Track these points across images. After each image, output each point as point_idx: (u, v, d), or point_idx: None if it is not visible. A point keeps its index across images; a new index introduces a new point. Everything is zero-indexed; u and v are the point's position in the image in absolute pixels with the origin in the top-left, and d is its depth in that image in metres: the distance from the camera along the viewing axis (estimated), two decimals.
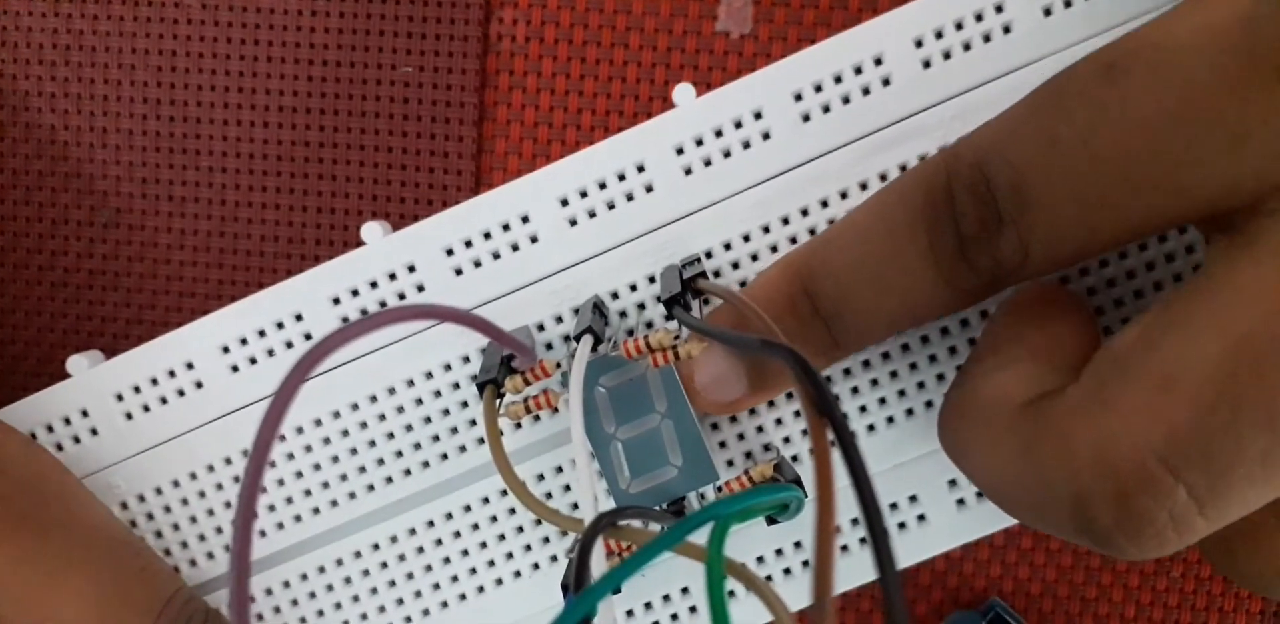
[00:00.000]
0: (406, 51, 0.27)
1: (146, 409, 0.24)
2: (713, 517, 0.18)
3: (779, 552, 0.24)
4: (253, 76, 0.28)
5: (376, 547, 0.24)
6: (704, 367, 0.21)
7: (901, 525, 0.24)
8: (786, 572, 0.24)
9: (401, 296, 0.24)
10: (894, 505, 0.24)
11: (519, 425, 0.24)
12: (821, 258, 0.20)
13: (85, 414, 0.24)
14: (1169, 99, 0.16)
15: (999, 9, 0.23)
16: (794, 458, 0.24)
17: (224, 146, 0.28)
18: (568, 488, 0.24)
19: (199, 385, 0.24)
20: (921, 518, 0.24)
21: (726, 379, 0.21)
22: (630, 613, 0.24)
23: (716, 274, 0.23)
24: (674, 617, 0.24)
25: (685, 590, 0.24)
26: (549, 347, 0.24)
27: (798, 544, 0.24)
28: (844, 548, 0.24)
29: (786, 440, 0.24)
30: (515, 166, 0.27)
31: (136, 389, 0.24)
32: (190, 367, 0.24)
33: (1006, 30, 0.23)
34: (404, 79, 0.27)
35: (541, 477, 0.24)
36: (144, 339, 0.24)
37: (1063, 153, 0.17)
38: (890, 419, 0.24)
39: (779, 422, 0.24)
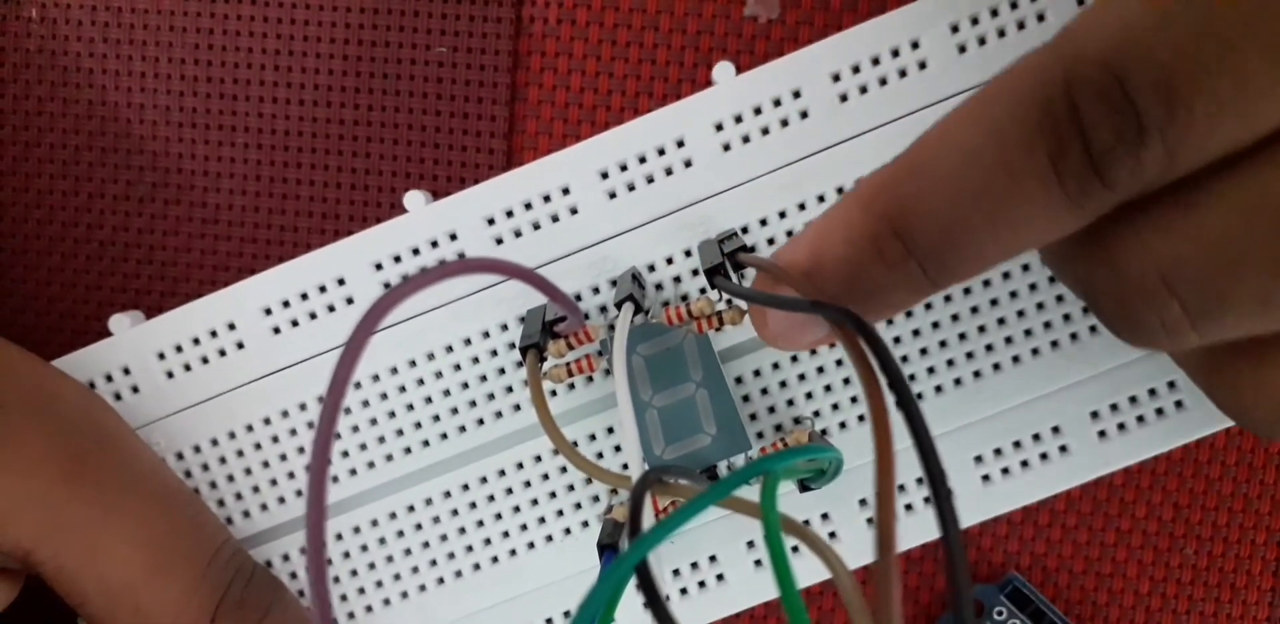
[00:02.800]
0: (441, 32, 0.28)
1: (188, 368, 0.24)
2: (763, 470, 0.18)
3: (825, 515, 0.24)
4: (289, 55, 0.28)
5: (412, 508, 0.25)
6: (776, 315, 0.19)
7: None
8: (832, 535, 0.25)
9: (443, 264, 0.24)
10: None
11: (554, 393, 0.24)
12: (913, 190, 0.17)
13: (127, 372, 0.24)
14: None
15: None
16: (823, 432, 0.24)
17: (259, 123, 0.28)
18: (600, 455, 0.24)
19: (240, 346, 0.24)
20: (986, 478, 0.25)
21: (803, 326, 0.19)
22: (695, 565, 0.25)
23: (751, 250, 0.24)
24: (720, 577, 0.25)
25: (750, 544, 0.25)
26: (585, 317, 0.24)
27: (825, 515, 0.24)
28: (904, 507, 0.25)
29: (816, 414, 0.24)
30: (546, 146, 0.28)
31: (179, 348, 0.24)
32: (232, 327, 0.24)
33: (1040, 18, 0.23)
34: (438, 59, 0.28)
35: (575, 444, 0.24)
36: None
37: (1222, 35, 0.15)
38: (956, 381, 0.24)
39: (809, 395, 0.24)
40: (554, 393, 0.24)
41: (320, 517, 0.15)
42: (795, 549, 0.23)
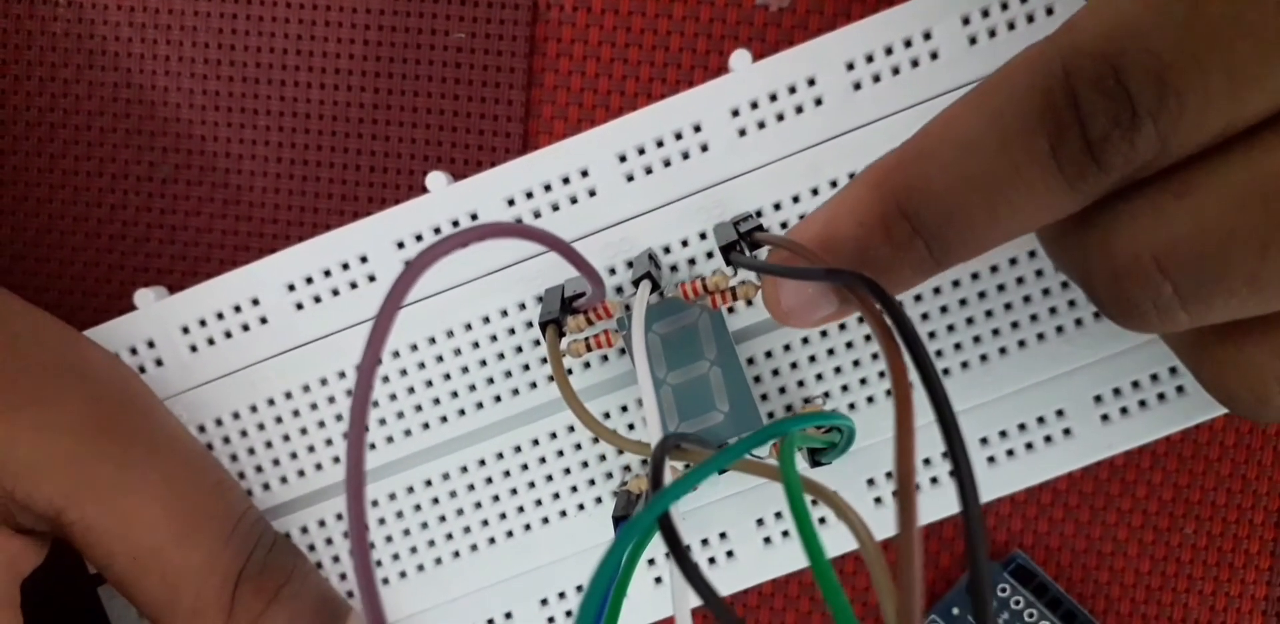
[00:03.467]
0: (459, 18, 0.28)
1: (211, 342, 0.25)
2: (779, 432, 0.19)
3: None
4: (310, 40, 0.28)
5: (429, 482, 0.25)
6: (789, 291, 0.20)
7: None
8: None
9: (463, 246, 0.24)
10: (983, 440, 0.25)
11: (570, 372, 0.25)
12: (920, 174, 0.18)
13: (151, 345, 0.25)
14: None
15: None
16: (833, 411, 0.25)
17: (281, 106, 0.29)
18: (615, 431, 0.25)
19: (263, 321, 0.25)
20: (992, 459, 0.25)
21: (813, 302, 0.19)
22: (705, 542, 0.25)
23: (765, 231, 0.24)
24: (730, 554, 0.25)
25: (759, 521, 0.25)
26: (604, 294, 0.24)
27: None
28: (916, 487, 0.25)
29: (827, 394, 0.25)
30: (561, 130, 0.28)
31: (202, 322, 0.25)
32: (256, 303, 0.25)
33: (1049, 11, 0.24)
34: (456, 45, 0.28)
35: None
36: None
37: (1211, 25, 0.16)
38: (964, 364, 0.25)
39: (819, 376, 0.25)
40: (570, 371, 0.25)
41: (360, 481, 0.15)
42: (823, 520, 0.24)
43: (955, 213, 0.18)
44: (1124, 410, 0.25)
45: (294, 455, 0.25)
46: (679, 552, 0.15)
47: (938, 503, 0.25)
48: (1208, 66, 0.16)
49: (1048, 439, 0.25)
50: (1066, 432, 0.25)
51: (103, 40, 0.29)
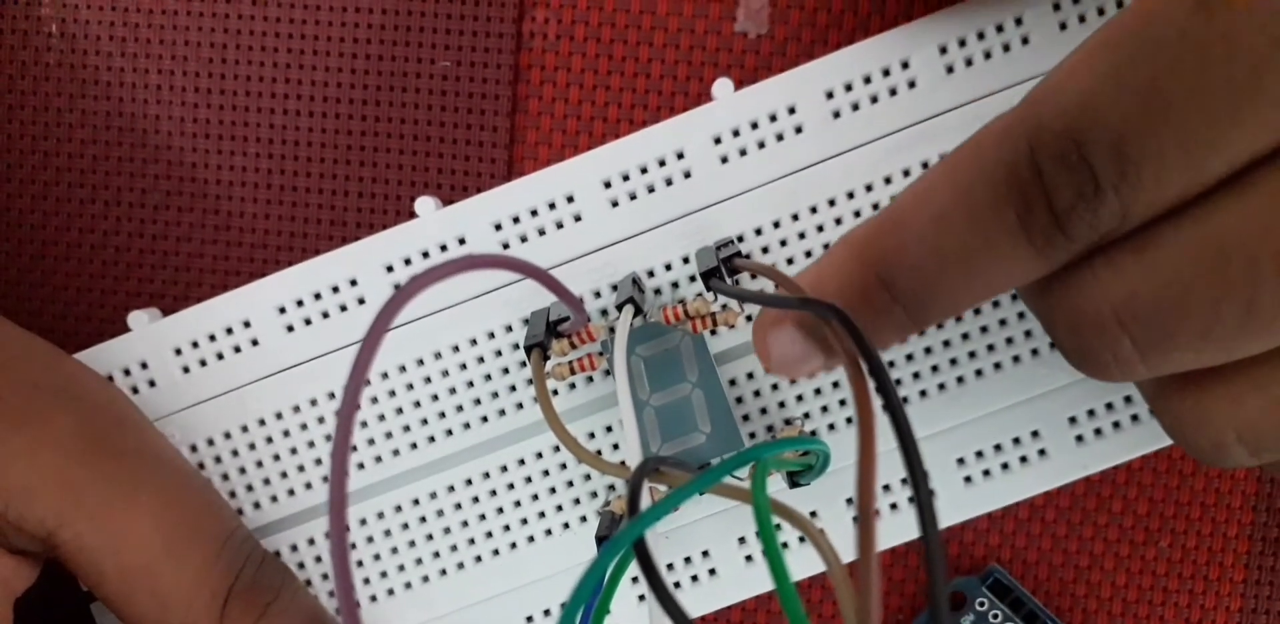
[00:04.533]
0: (445, 47, 0.29)
1: (203, 364, 0.25)
2: (754, 458, 0.19)
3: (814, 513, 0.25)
4: (299, 68, 0.29)
5: (417, 502, 0.25)
6: (778, 346, 0.20)
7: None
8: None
9: (464, 256, 0.25)
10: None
11: (555, 392, 0.25)
12: (895, 245, 0.19)
13: (145, 366, 0.25)
14: (1273, 28, 0.16)
15: (1019, 22, 0.24)
16: (813, 433, 0.25)
17: (270, 133, 0.29)
18: (598, 453, 0.25)
19: (255, 343, 0.25)
20: (968, 479, 0.26)
21: (801, 358, 0.20)
22: (688, 560, 0.26)
23: (746, 258, 0.25)
24: (712, 571, 0.26)
25: (741, 540, 0.26)
26: (588, 319, 0.25)
27: (813, 513, 0.25)
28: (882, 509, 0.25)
29: (806, 416, 0.25)
30: (545, 156, 0.29)
31: (195, 344, 0.25)
32: (247, 325, 0.25)
33: (1025, 42, 0.24)
34: (442, 72, 0.29)
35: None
36: None
37: (1167, 101, 0.16)
38: (941, 385, 0.25)
39: (799, 398, 0.25)
40: (555, 392, 0.25)
41: (342, 499, 0.16)
42: (785, 545, 0.24)
43: (931, 283, 0.19)
44: (1098, 431, 0.25)
45: (284, 475, 0.25)
46: (653, 578, 0.16)
47: (905, 526, 0.25)
48: (1163, 138, 0.16)
49: (1023, 459, 0.25)
50: (1042, 452, 0.25)
51: (95, 70, 0.29)
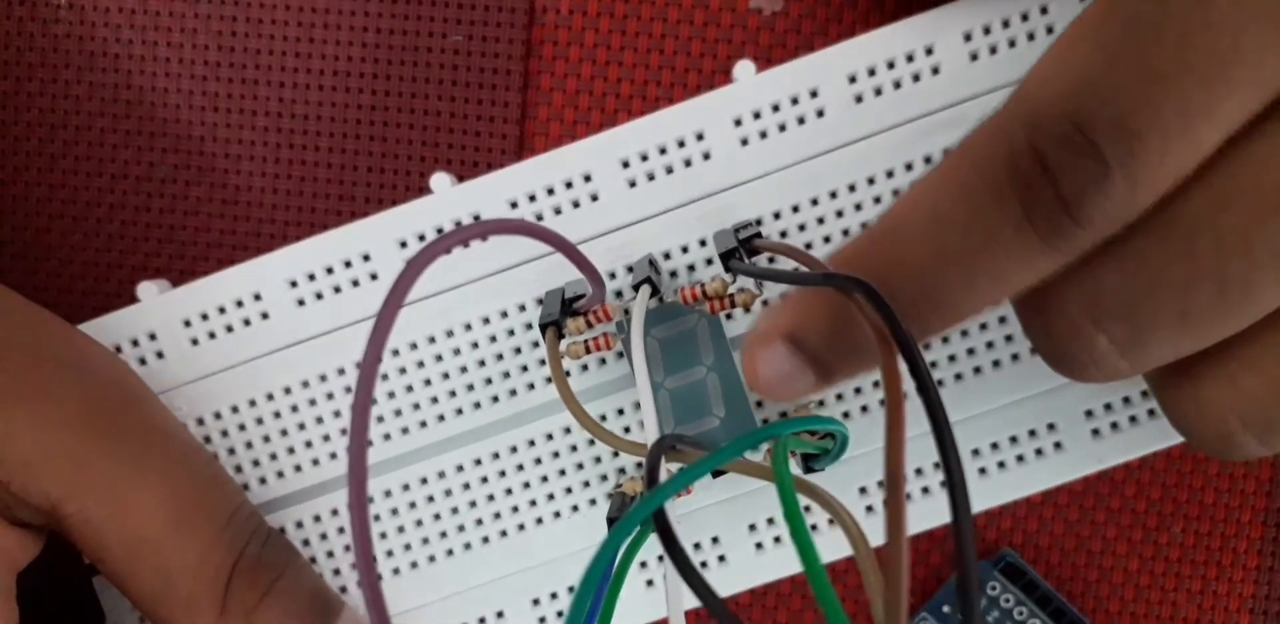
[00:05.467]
0: (456, 21, 0.28)
1: (213, 336, 0.25)
2: (773, 435, 0.19)
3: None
4: (309, 42, 0.29)
5: (425, 481, 0.25)
6: (767, 365, 0.19)
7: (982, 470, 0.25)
8: (831, 522, 0.25)
9: (465, 244, 0.25)
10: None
11: (568, 374, 0.25)
12: (892, 254, 0.18)
13: (153, 337, 0.25)
14: None
15: (1044, 10, 0.24)
16: None
17: (280, 107, 0.29)
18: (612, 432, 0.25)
19: (265, 316, 0.25)
20: (983, 471, 0.25)
21: (791, 378, 0.19)
22: (698, 545, 0.26)
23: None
24: (722, 558, 0.26)
25: (752, 527, 0.26)
26: (604, 294, 0.25)
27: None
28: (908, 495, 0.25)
29: (821, 403, 0.25)
30: (557, 132, 0.28)
31: (204, 316, 0.25)
32: (258, 298, 0.25)
33: (1049, 30, 0.24)
34: (453, 47, 0.28)
35: None
36: None
37: (1159, 71, 0.16)
38: (957, 376, 0.25)
39: None
40: (568, 373, 0.25)
41: (362, 473, 0.15)
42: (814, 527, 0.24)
43: (932, 288, 0.18)
44: (1114, 425, 0.25)
45: (291, 450, 0.25)
46: (672, 544, 0.16)
47: (929, 512, 0.25)
48: (1162, 108, 0.16)
49: (1039, 452, 0.25)
50: (1057, 445, 0.25)
51: (103, 42, 0.29)
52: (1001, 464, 0.25)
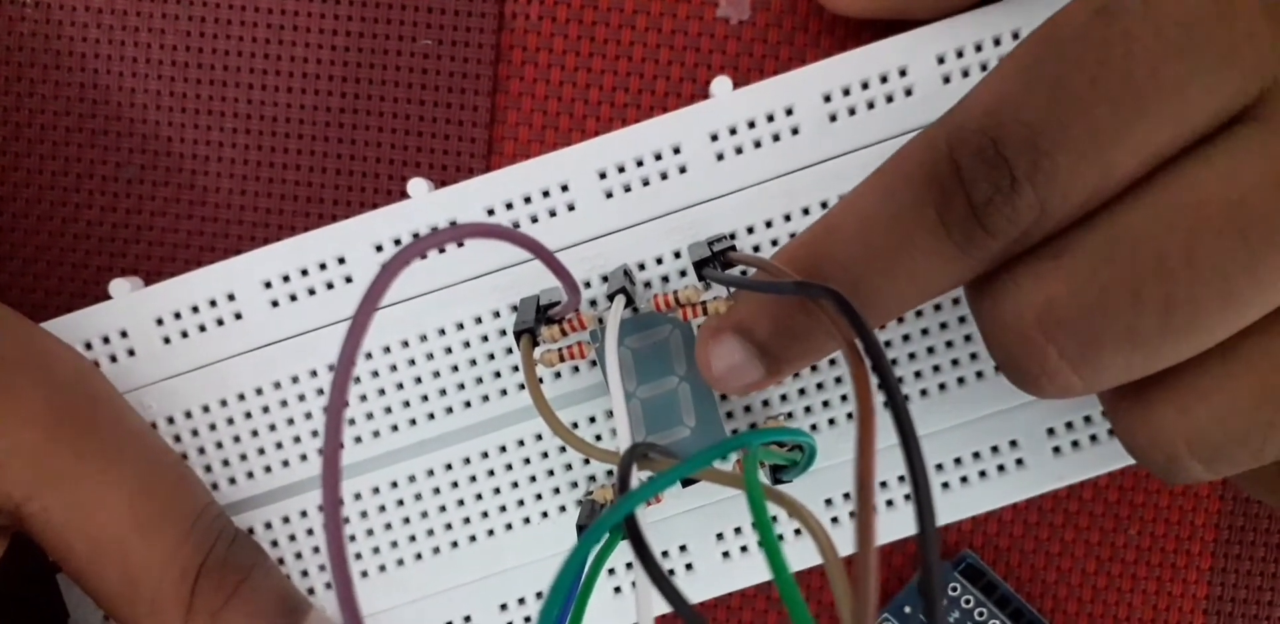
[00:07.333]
0: (426, 25, 0.28)
1: (185, 335, 0.25)
2: (743, 444, 0.19)
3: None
4: (278, 44, 0.29)
5: (395, 485, 0.25)
6: (718, 356, 0.21)
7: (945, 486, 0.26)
8: (797, 532, 0.26)
9: (441, 250, 0.25)
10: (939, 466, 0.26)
11: (541, 381, 0.25)
12: (825, 250, 0.20)
13: (124, 335, 0.25)
14: (1168, 30, 0.17)
15: (1015, 36, 0.25)
16: None
17: (248, 109, 0.29)
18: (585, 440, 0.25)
19: (238, 316, 0.25)
20: (946, 485, 0.26)
21: (741, 368, 0.21)
22: (666, 554, 0.26)
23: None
24: (689, 566, 0.26)
25: (719, 536, 0.26)
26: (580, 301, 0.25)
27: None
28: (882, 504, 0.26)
29: (790, 415, 0.25)
30: (525, 136, 0.28)
31: (177, 315, 0.25)
32: (231, 298, 0.25)
33: None
34: (423, 51, 0.28)
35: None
36: None
37: (1073, 95, 0.17)
38: (923, 392, 0.25)
39: (784, 397, 0.25)
40: (541, 380, 0.25)
41: (335, 471, 0.15)
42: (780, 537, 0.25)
43: (859, 283, 0.19)
44: (1075, 443, 0.26)
45: (261, 451, 0.25)
46: (643, 549, 0.16)
47: (893, 525, 0.25)
48: (1072, 129, 0.17)
49: (1000, 468, 0.26)
50: (1019, 462, 0.26)
51: (69, 41, 0.29)
52: (964, 479, 0.26)
